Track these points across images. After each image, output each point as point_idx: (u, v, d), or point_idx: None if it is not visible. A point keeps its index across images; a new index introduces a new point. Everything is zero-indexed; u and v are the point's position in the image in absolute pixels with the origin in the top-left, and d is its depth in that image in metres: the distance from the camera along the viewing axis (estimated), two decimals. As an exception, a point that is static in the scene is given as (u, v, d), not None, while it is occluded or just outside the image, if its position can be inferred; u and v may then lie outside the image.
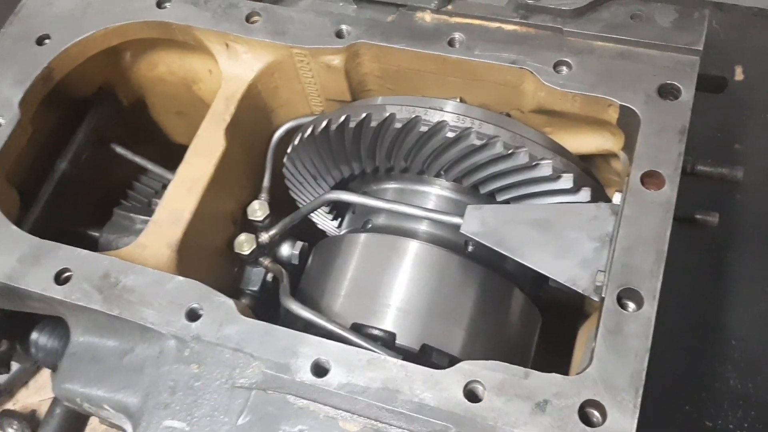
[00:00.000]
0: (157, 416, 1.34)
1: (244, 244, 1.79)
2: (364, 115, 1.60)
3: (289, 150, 1.87)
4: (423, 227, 1.68)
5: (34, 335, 1.83)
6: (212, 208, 1.72)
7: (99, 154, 2.08)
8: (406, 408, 1.27)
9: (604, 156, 1.77)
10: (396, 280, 1.57)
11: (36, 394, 3.02)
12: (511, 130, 1.55)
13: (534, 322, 1.72)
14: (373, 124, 1.60)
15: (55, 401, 2.56)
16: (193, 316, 1.42)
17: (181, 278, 1.47)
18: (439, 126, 1.56)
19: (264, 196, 1.89)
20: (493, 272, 1.61)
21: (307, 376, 1.33)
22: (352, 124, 1.63)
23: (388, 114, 1.58)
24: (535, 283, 1.77)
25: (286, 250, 1.88)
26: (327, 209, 2.03)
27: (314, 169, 1.84)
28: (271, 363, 1.35)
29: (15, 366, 2.90)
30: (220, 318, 1.41)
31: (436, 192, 1.71)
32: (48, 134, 1.96)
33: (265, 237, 1.83)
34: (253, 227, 1.85)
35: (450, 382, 1.29)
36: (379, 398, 1.29)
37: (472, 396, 1.28)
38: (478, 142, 1.54)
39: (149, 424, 1.33)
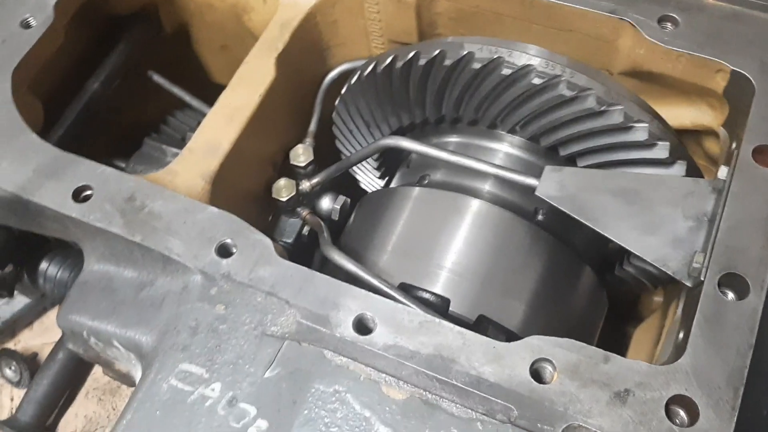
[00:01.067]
0: (173, 358, 1.16)
1: (283, 189, 1.64)
2: (437, 51, 1.41)
3: (343, 91, 1.69)
4: (487, 187, 1.48)
5: (43, 265, 1.71)
6: (253, 144, 1.56)
7: (133, 81, 1.94)
8: (461, 381, 1.09)
9: (695, 134, 1.58)
10: (453, 241, 1.38)
11: (39, 337, 2.87)
12: (607, 84, 1.35)
13: (602, 306, 1.53)
14: (447, 62, 1.41)
15: (58, 346, 2.42)
16: (224, 251, 1.25)
17: (214, 209, 1.30)
18: (525, 70, 1.36)
19: (309, 140, 1.72)
20: (565, 246, 1.42)
21: (348, 331, 1.15)
22: (422, 62, 1.44)
23: (465, 52, 1.39)
24: (602, 268, 1.58)
25: (326, 203, 1.71)
26: (375, 164, 1.84)
27: (369, 116, 1.66)
28: (308, 313, 1.17)
29: (20, 304, 2.76)
30: (254, 257, 1.24)
31: (505, 150, 1.51)
32: (81, 50, 1.82)
33: (306, 185, 1.66)
34: (294, 173, 1.68)
35: (515, 357, 1.11)
36: (430, 366, 1.11)
37: (538, 376, 1.10)
38: (568, 93, 1.34)
39: (163, 366, 1.16)
